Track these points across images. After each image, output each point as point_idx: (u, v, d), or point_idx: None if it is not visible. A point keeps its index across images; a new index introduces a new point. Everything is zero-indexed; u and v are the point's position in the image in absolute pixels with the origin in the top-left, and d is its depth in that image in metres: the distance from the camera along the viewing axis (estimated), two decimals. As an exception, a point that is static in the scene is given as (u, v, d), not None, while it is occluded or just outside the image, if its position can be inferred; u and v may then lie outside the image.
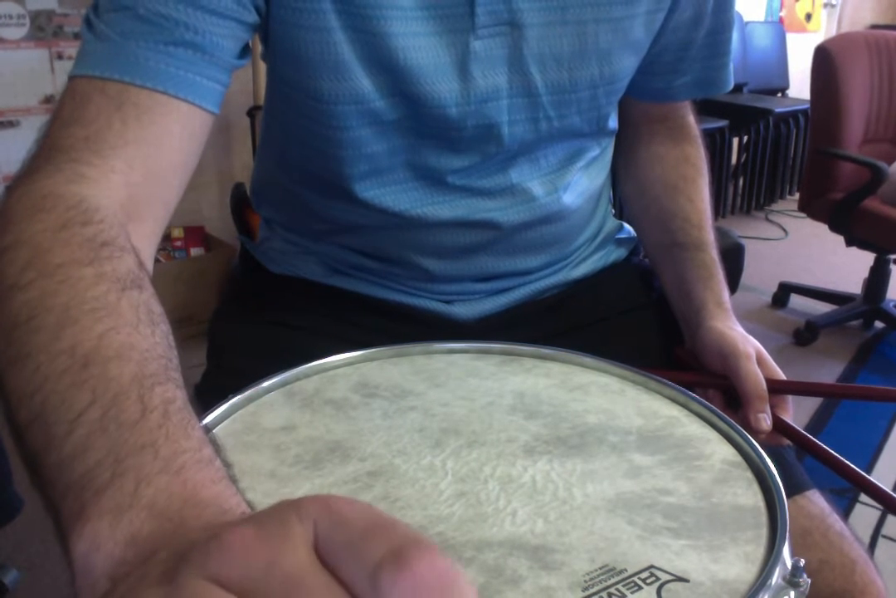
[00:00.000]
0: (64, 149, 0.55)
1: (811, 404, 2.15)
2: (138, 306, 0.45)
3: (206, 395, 0.78)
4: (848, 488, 1.77)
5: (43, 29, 2.27)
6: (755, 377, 0.70)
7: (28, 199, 0.51)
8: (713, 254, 0.82)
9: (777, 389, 0.70)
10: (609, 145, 0.87)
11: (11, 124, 2.30)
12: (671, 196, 0.86)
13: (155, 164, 0.57)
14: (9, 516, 1.31)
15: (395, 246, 0.80)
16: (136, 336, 0.42)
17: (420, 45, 0.66)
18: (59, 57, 2.32)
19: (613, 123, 0.84)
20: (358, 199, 0.75)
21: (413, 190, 0.75)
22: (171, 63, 0.58)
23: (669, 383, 0.65)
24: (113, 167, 0.55)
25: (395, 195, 0.75)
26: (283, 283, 0.86)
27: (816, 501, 0.71)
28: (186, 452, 0.36)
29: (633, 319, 0.87)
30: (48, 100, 2.33)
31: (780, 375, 0.72)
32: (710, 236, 0.83)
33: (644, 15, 0.73)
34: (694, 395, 0.63)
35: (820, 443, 0.68)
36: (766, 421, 0.68)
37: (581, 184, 0.82)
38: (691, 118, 0.91)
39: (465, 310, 0.83)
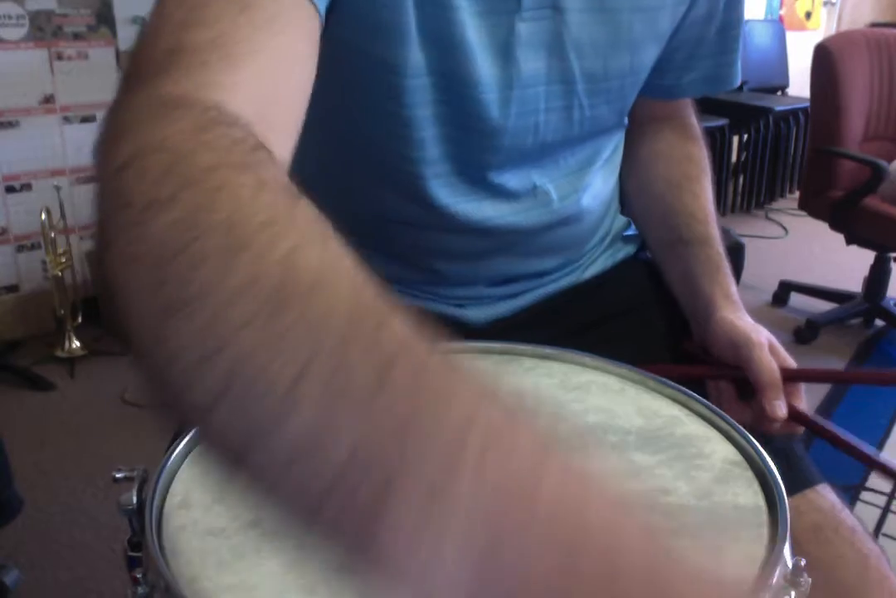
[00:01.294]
0: (190, 51, 0.44)
1: (811, 401, 2.15)
2: (317, 219, 0.33)
3: None
4: (848, 487, 1.77)
5: (42, 29, 2.27)
6: (769, 366, 0.69)
7: (152, 101, 0.40)
8: (718, 248, 0.81)
9: (790, 377, 0.70)
10: (620, 144, 0.87)
11: (11, 124, 2.30)
12: (675, 194, 0.85)
13: (287, 79, 0.49)
14: (9, 516, 1.31)
15: (409, 246, 0.79)
16: (328, 254, 0.31)
17: (469, 23, 0.65)
18: (59, 57, 2.32)
19: (625, 118, 0.84)
20: (404, 184, 0.74)
21: (451, 186, 0.74)
22: None
23: (670, 382, 0.65)
24: (246, 77, 0.45)
25: (437, 189, 0.73)
26: None
27: (827, 495, 0.70)
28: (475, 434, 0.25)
29: (643, 315, 0.86)
30: (48, 100, 2.33)
31: (792, 363, 0.72)
32: (714, 231, 0.82)
33: (672, 6, 0.73)
34: (694, 394, 0.63)
35: (834, 428, 0.68)
36: (781, 409, 0.68)
37: (596, 186, 0.82)
38: (694, 118, 0.91)
39: (477, 314, 0.82)
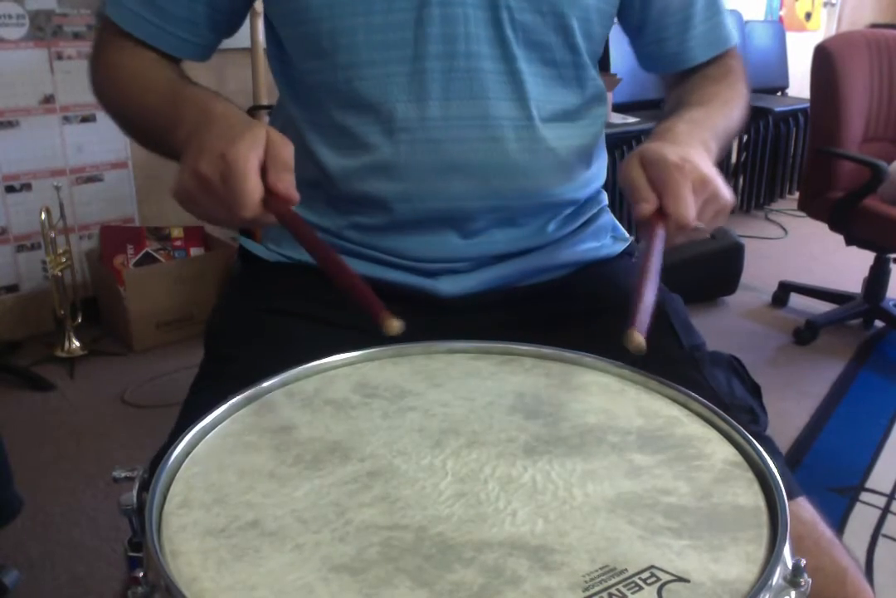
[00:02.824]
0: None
1: (811, 403, 2.15)
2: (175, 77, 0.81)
3: (202, 387, 0.78)
4: (848, 488, 1.77)
5: (42, 29, 2.27)
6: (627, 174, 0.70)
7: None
8: (711, 108, 0.82)
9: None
10: (597, 110, 0.87)
11: (11, 124, 2.30)
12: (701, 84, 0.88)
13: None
14: (9, 516, 1.31)
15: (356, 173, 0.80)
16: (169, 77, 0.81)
17: None
18: (59, 57, 2.32)
19: (584, 56, 0.84)
20: (345, 89, 0.78)
21: (385, 83, 0.77)
22: None
23: (669, 383, 0.65)
24: None
25: (370, 87, 0.77)
26: (277, 270, 0.87)
27: (807, 508, 0.70)
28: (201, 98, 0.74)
29: (625, 317, 0.84)
30: (48, 100, 2.33)
31: (666, 156, 0.68)
32: (714, 108, 0.82)
33: None
34: (694, 394, 0.63)
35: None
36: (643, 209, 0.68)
37: (561, 129, 0.83)
38: (737, 67, 0.92)
39: (449, 285, 0.83)
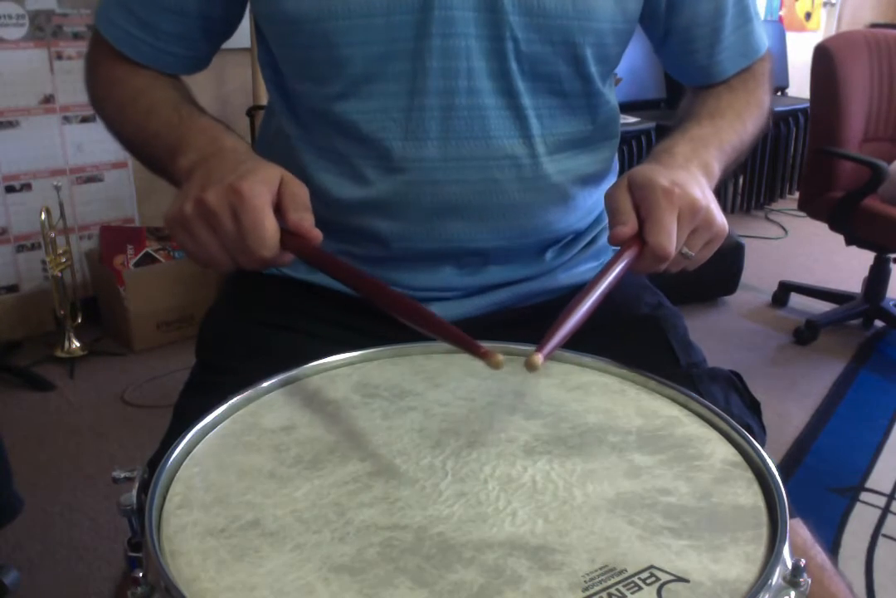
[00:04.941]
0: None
1: (811, 402, 2.15)
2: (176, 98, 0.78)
3: (192, 391, 0.78)
4: (848, 488, 1.77)
5: (42, 29, 2.27)
6: (610, 196, 0.68)
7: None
8: (714, 124, 0.78)
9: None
10: (610, 132, 0.85)
11: (11, 124, 2.30)
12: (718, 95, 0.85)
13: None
14: (9, 516, 1.31)
15: (353, 207, 0.78)
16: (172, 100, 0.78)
17: None
18: (59, 57, 2.32)
19: (610, 96, 0.82)
20: (340, 119, 0.76)
21: (379, 119, 0.74)
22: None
23: (669, 383, 0.65)
24: None
25: (364, 122, 0.75)
26: (271, 282, 0.86)
27: (799, 530, 0.69)
28: (210, 128, 0.72)
29: (622, 334, 0.81)
30: (48, 100, 2.33)
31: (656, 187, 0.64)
32: (720, 122, 0.78)
33: None
34: (694, 395, 0.63)
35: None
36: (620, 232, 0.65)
37: (567, 161, 0.80)
38: (761, 83, 0.88)
39: (442, 311, 0.80)
